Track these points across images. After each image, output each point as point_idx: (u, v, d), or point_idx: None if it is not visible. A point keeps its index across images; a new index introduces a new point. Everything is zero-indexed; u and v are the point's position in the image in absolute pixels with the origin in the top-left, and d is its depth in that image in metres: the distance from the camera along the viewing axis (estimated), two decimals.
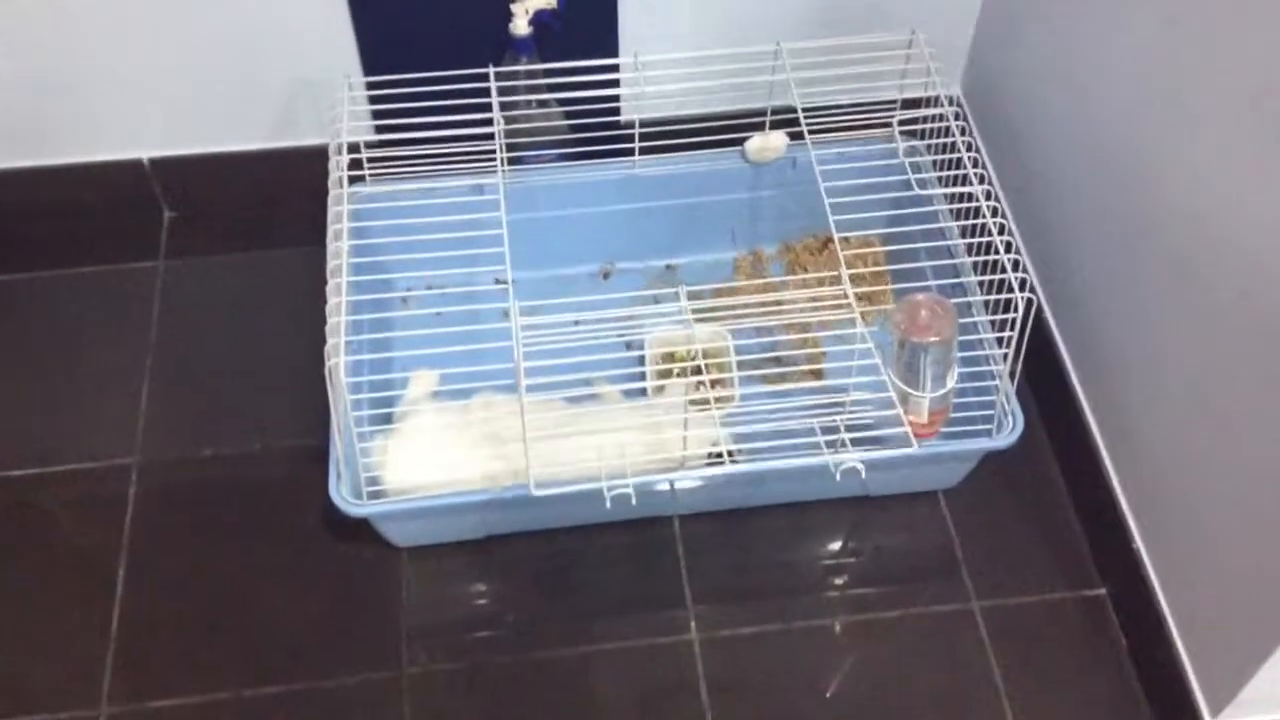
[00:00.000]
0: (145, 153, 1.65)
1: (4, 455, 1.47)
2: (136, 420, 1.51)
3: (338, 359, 1.14)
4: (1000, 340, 1.28)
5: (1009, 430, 1.30)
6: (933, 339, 1.14)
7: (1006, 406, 1.30)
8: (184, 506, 1.44)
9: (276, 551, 1.41)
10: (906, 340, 1.15)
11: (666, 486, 1.13)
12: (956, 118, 1.37)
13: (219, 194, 1.71)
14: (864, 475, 1.09)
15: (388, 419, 1.41)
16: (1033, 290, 1.19)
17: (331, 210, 1.31)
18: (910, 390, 1.17)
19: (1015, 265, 1.20)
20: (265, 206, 1.72)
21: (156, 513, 1.43)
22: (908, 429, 1.12)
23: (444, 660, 1.33)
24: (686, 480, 1.14)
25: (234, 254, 1.70)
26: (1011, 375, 1.27)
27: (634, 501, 1.06)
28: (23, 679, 1.31)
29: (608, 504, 1.06)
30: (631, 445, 1.31)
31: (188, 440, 1.50)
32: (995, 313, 1.26)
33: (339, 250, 1.23)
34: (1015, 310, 1.17)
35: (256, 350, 1.59)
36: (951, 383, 1.19)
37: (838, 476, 1.09)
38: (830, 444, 1.17)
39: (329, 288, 1.22)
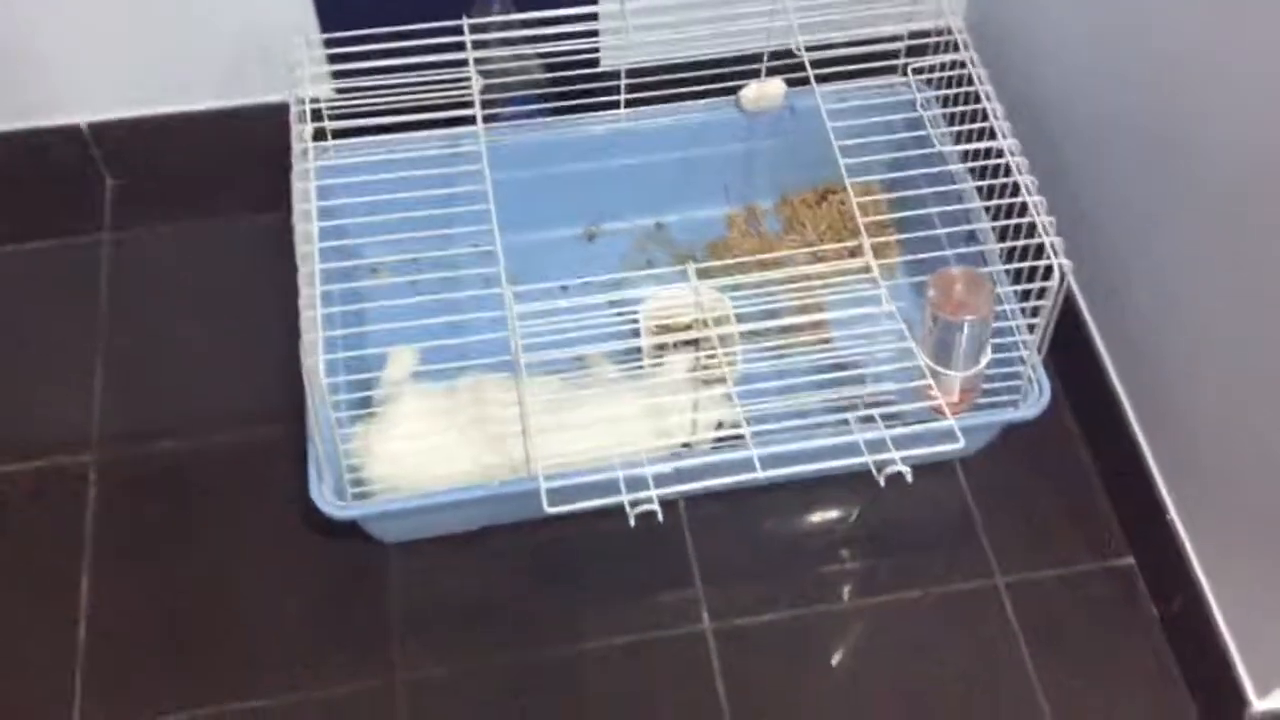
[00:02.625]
0: (83, 117, 1.51)
1: None
2: (91, 411, 1.40)
3: (315, 357, 1.04)
4: (1025, 306, 1.19)
5: (1035, 400, 1.22)
6: (968, 316, 1.05)
7: (1033, 375, 1.22)
8: (148, 505, 1.34)
9: (253, 551, 1.31)
10: (940, 316, 1.06)
11: (689, 486, 1.04)
12: (973, 63, 1.27)
13: (164, 159, 1.58)
14: (909, 478, 1.00)
15: (364, 402, 1.30)
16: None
17: (296, 185, 1.19)
18: (942, 369, 1.09)
19: (1050, 229, 1.11)
20: (215, 171, 1.58)
21: (119, 513, 1.33)
22: (946, 411, 1.03)
23: (440, 662, 1.24)
24: (707, 480, 1.05)
25: (184, 223, 1.57)
26: (1041, 342, 1.18)
27: (660, 519, 0.97)
28: None
29: (631, 522, 0.97)
30: (636, 429, 1.22)
31: (148, 431, 1.38)
32: (1021, 275, 1.17)
33: (309, 232, 1.12)
34: (1052, 278, 1.08)
35: (216, 328, 1.47)
36: (985, 360, 1.11)
37: (881, 481, 1.00)
38: (854, 424, 1.08)
39: (300, 276, 1.11)
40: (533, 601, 1.28)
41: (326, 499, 1.16)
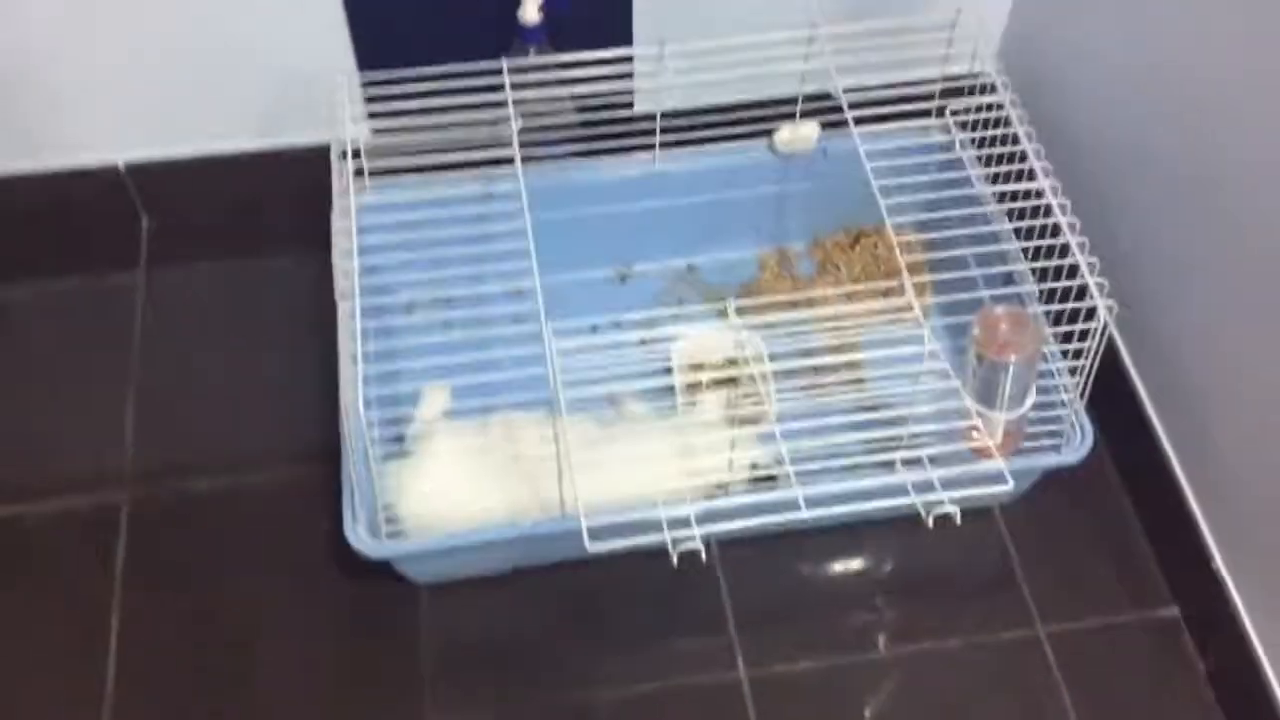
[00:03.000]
0: (121, 156, 1.52)
1: None
2: (124, 449, 1.39)
3: (355, 394, 1.03)
4: (1066, 350, 1.17)
5: (1078, 445, 1.20)
6: (1014, 356, 1.04)
7: (1076, 420, 1.20)
8: (180, 544, 1.33)
9: (284, 591, 1.30)
10: (985, 357, 1.05)
11: (731, 525, 1.02)
12: (1013, 104, 1.26)
13: (200, 200, 1.58)
14: (958, 520, 0.98)
15: (396, 438, 1.29)
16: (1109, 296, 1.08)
17: (337, 223, 1.19)
18: (986, 410, 1.07)
19: (1093, 269, 1.10)
20: (251, 212, 1.59)
21: (150, 551, 1.32)
22: (994, 452, 1.01)
23: (471, 706, 1.23)
24: (748, 519, 1.03)
25: (219, 263, 1.58)
26: (1083, 390, 1.16)
27: (703, 557, 0.95)
28: None
29: (674, 561, 0.95)
30: (670, 470, 1.20)
31: (180, 469, 1.38)
32: (1063, 317, 1.15)
33: (348, 269, 1.11)
34: (1095, 319, 1.07)
35: (249, 367, 1.47)
36: (1029, 402, 1.09)
37: (930, 522, 0.98)
38: (899, 466, 1.07)
39: (340, 312, 1.10)
40: (565, 646, 1.26)
41: (361, 538, 1.15)
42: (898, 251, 1.13)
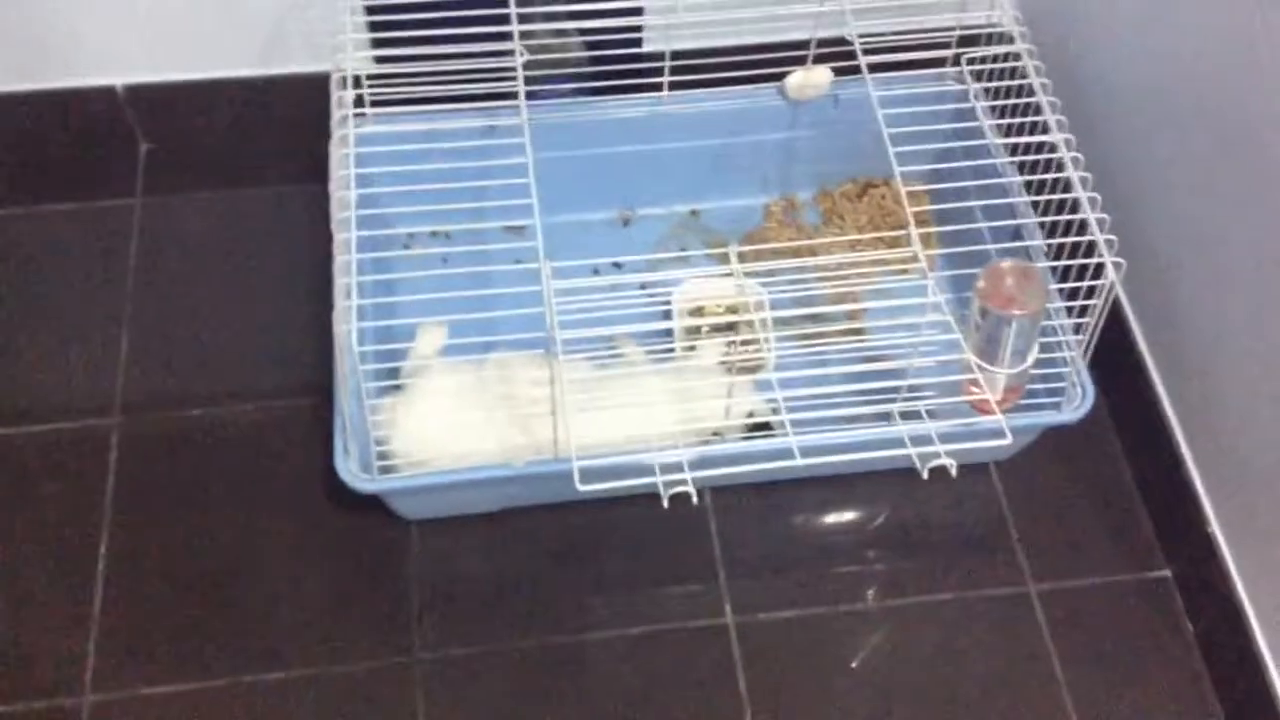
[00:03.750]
0: (118, 79, 1.50)
1: None
2: (116, 377, 1.38)
3: (349, 325, 1.02)
4: (1072, 307, 1.16)
5: (1078, 403, 1.19)
6: (1018, 311, 1.02)
7: (1078, 379, 1.18)
8: (171, 474, 1.32)
9: (274, 522, 1.29)
10: (989, 311, 1.03)
11: (722, 472, 1.02)
12: (1030, 55, 1.24)
13: (200, 125, 1.56)
14: (954, 471, 0.97)
15: (391, 373, 1.28)
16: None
17: (335, 153, 1.17)
18: (987, 365, 1.06)
19: (1102, 225, 1.08)
20: (251, 139, 1.57)
21: (141, 481, 1.31)
22: (994, 408, 1.00)
23: (458, 643, 1.22)
24: (741, 466, 1.02)
25: (217, 190, 1.56)
26: (1087, 347, 1.15)
27: (695, 500, 0.95)
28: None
29: (665, 503, 0.95)
30: (666, 415, 1.19)
31: (173, 399, 1.37)
32: (1070, 274, 1.14)
33: (346, 200, 1.10)
34: (1102, 276, 1.05)
35: (245, 298, 1.45)
36: (1032, 358, 1.08)
37: (924, 474, 0.97)
38: (896, 418, 1.06)
39: (336, 243, 1.09)
40: (554, 586, 1.26)
41: (352, 472, 1.14)
42: (905, 203, 1.11)
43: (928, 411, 1.13)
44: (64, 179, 1.53)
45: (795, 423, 1.06)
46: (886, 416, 1.15)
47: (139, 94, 1.52)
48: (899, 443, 0.99)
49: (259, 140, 1.56)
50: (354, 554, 1.27)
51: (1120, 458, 1.35)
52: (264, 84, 1.53)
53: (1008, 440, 0.99)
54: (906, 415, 1.15)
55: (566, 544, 1.28)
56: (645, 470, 0.99)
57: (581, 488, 0.96)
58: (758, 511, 1.30)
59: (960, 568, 1.28)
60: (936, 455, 0.96)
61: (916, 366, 1.09)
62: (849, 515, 1.31)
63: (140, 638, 1.21)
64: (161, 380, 1.38)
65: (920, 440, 0.99)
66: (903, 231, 1.46)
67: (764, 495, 1.31)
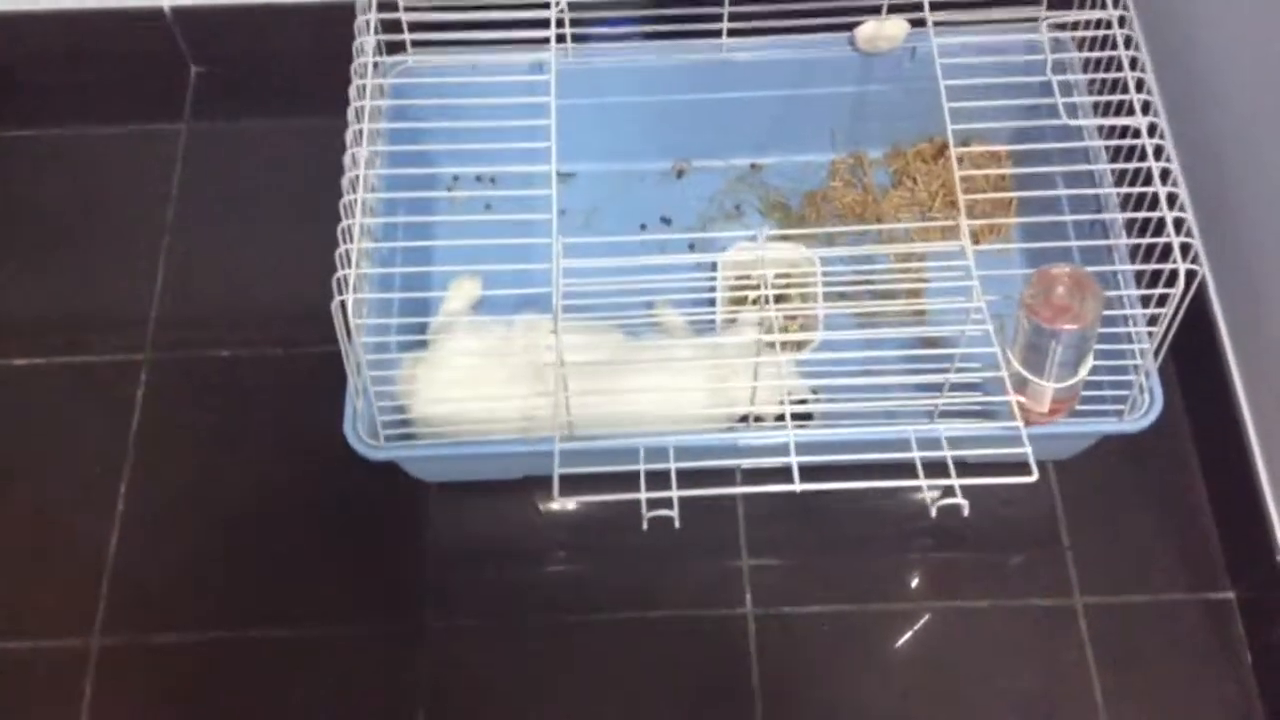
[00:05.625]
0: (167, 0, 1.45)
1: (3, 342, 1.34)
2: (149, 311, 1.36)
3: (347, 296, 0.97)
4: (1146, 302, 1.05)
5: (1143, 413, 1.09)
6: (1067, 326, 0.92)
7: (1145, 384, 1.08)
8: (195, 414, 1.30)
9: (293, 472, 1.27)
10: (1034, 322, 0.93)
11: (724, 491, 0.95)
12: (1122, 23, 1.11)
13: (253, 49, 1.51)
14: (965, 512, 0.89)
15: (420, 327, 1.24)
16: (1198, 259, 0.95)
17: (355, 104, 1.11)
18: (1031, 376, 0.96)
19: (1179, 226, 0.96)
20: (305, 67, 1.50)
21: (165, 421, 1.30)
22: (1041, 419, 0.91)
23: (469, 613, 1.19)
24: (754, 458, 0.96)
25: (268, 119, 1.51)
26: (1156, 353, 1.04)
27: (677, 525, 0.88)
28: (9, 600, 1.20)
29: (644, 525, 0.88)
30: (693, 396, 1.13)
31: (203, 338, 1.35)
32: (1146, 274, 1.03)
33: (357, 157, 1.04)
34: (1175, 284, 0.94)
35: (286, 236, 1.41)
36: (1084, 372, 0.98)
37: (933, 512, 0.89)
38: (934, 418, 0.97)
39: (342, 204, 1.03)
40: (570, 561, 1.21)
41: (360, 437, 1.10)
42: (957, 184, 1.01)
43: (973, 413, 1.04)
44: (112, 101, 1.51)
45: (828, 413, 0.99)
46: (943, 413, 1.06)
47: (188, 16, 1.47)
48: (904, 446, 0.90)
49: (313, 68, 1.50)
50: (371, 513, 1.24)
51: (1194, 470, 1.24)
52: (320, 9, 1.47)
53: (1032, 477, 0.89)
54: (949, 414, 1.06)
55: (586, 518, 1.23)
56: (630, 458, 0.92)
57: (559, 470, 0.89)
58: (788, 496, 1.23)
59: (1002, 571, 1.20)
60: (964, 459, 0.87)
61: (959, 364, 0.99)
62: (886, 508, 1.23)
63: (151, 584, 1.21)
64: (194, 317, 1.36)
65: (929, 444, 0.90)
66: (982, 196, 1.36)
67: (804, 476, 1.23)
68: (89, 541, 1.22)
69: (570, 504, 1.17)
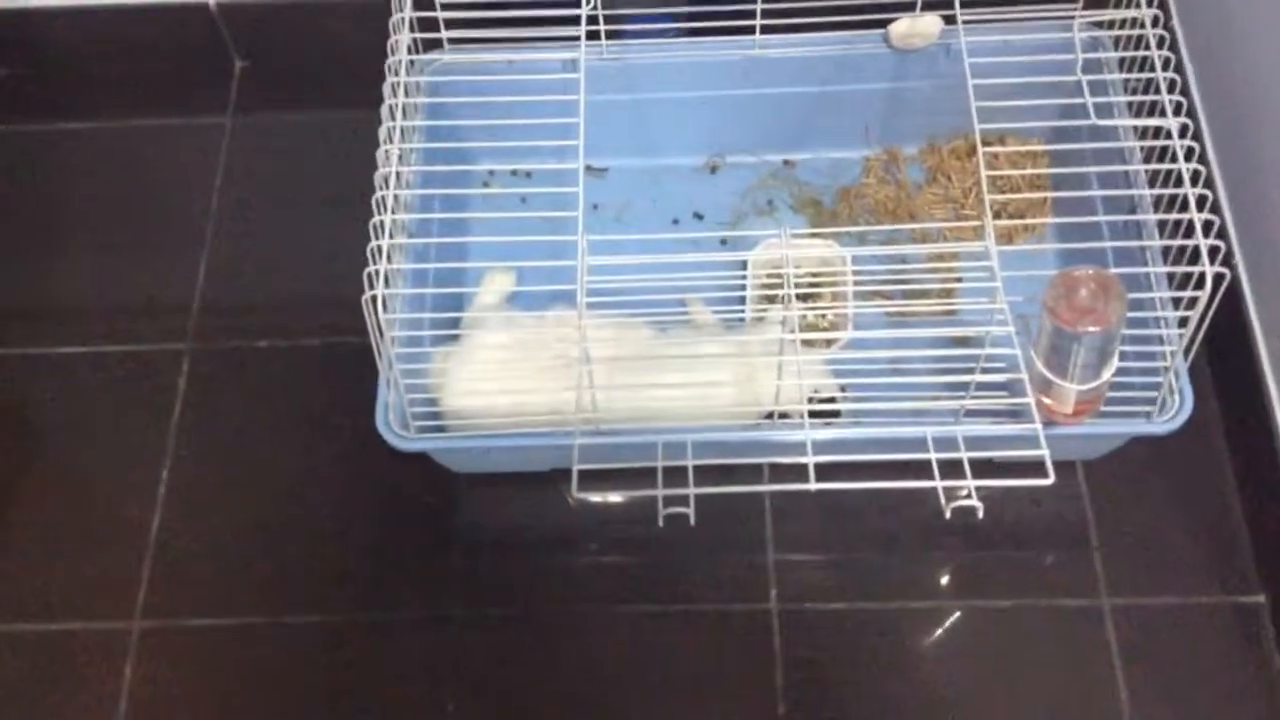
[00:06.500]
0: None
1: (48, 331, 1.37)
2: (191, 300, 1.39)
3: (377, 291, 0.98)
4: (1176, 303, 1.05)
5: (1172, 414, 1.08)
6: (1090, 328, 0.92)
7: (1174, 385, 1.07)
8: (235, 403, 1.33)
9: (328, 460, 1.29)
10: (1056, 324, 0.93)
11: (741, 489, 0.96)
12: (1156, 23, 1.10)
13: (297, 43, 1.54)
14: (980, 514, 0.89)
15: (453, 321, 1.25)
16: (1228, 261, 0.94)
17: (388, 101, 1.13)
18: (1054, 378, 0.96)
19: (1209, 229, 0.96)
20: (349, 61, 1.52)
21: (206, 409, 1.33)
22: (1037, 423, 0.91)
23: (496, 602, 1.21)
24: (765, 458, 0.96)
25: (311, 112, 1.54)
26: (1186, 353, 1.04)
27: (693, 523, 0.89)
28: (54, 583, 1.23)
29: (661, 522, 0.90)
30: (721, 392, 1.14)
31: (244, 327, 1.37)
32: (1177, 274, 1.02)
33: (390, 154, 1.05)
34: (1204, 286, 0.94)
35: (327, 228, 1.43)
36: (1108, 374, 0.97)
37: (947, 513, 0.90)
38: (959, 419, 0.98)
39: (374, 199, 1.05)
40: (597, 553, 1.23)
41: (391, 429, 1.12)
42: (984, 184, 1.00)
43: (999, 413, 1.04)
44: (158, 94, 1.54)
45: (855, 412, 0.99)
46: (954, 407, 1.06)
47: (232, 10, 1.50)
48: (923, 445, 0.91)
49: (357, 62, 1.53)
50: (403, 502, 1.26)
51: (1226, 471, 1.23)
52: (362, 3, 1.48)
53: (1049, 480, 0.89)
54: (975, 414, 1.06)
55: (613, 510, 1.24)
56: (651, 452, 0.93)
57: (578, 467, 0.91)
58: (816, 494, 1.23)
59: (1029, 571, 1.20)
60: (984, 456, 0.88)
61: (985, 364, 0.99)
62: (912, 505, 1.23)
63: (190, 569, 1.24)
64: (235, 307, 1.39)
65: (948, 443, 0.90)
66: (1012, 197, 1.36)
67: (824, 473, 1.23)
68: (131, 527, 1.25)
69: (598, 496, 1.18)
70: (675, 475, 0.94)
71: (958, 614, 1.18)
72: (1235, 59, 1.20)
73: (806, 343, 1.19)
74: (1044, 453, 0.90)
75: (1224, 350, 1.18)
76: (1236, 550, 1.19)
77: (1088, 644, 1.16)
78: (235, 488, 1.28)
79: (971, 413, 1.05)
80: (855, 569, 1.20)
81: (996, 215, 1.25)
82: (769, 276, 1.29)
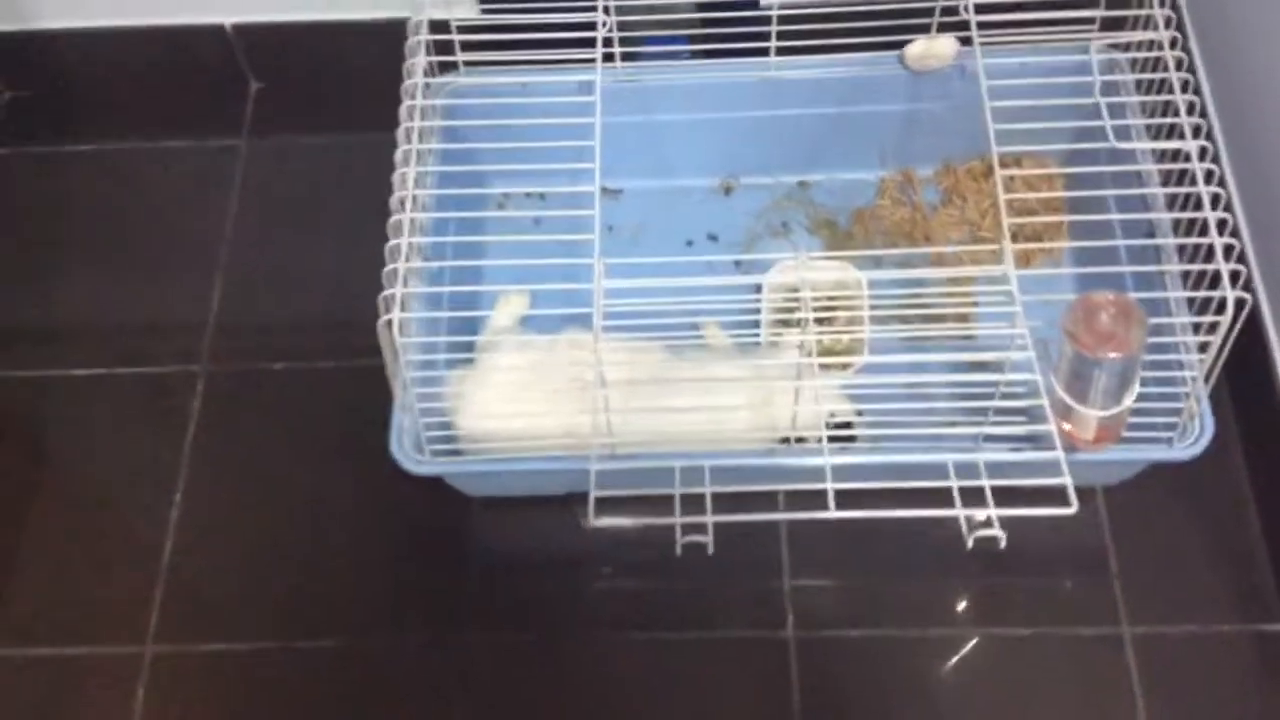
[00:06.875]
0: (227, 17, 1.48)
1: (61, 353, 1.37)
2: (206, 322, 1.39)
3: (392, 315, 0.98)
4: (1197, 328, 1.03)
5: (1193, 440, 1.07)
6: (1111, 354, 0.91)
7: (1195, 411, 1.06)
8: (248, 425, 1.33)
9: (342, 484, 1.29)
10: (1077, 349, 0.92)
11: (759, 517, 0.95)
12: (1173, 45, 1.09)
13: (313, 65, 1.54)
14: (1002, 544, 0.89)
15: (469, 345, 1.25)
16: (1249, 286, 0.94)
17: (404, 124, 1.13)
18: (1075, 404, 0.95)
19: (1229, 253, 0.95)
20: (363, 83, 1.52)
21: (220, 431, 1.32)
22: (1058, 449, 0.90)
23: (513, 627, 1.20)
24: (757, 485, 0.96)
25: (327, 134, 1.54)
26: (1207, 378, 1.03)
27: (711, 551, 0.89)
28: (66, 606, 1.23)
29: (678, 550, 0.89)
30: (737, 416, 1.13)
31: (259, 349, 1.37)
32: (1197, 298, 1.01)
33: (405, 177, 1.05)
34: (1224, 311, 0.93)
35: (342, 250, 1.43)
36: (1129, 400, 0.96)
37: (970, 543, 0.89)
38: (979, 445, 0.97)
39: (390, 224, 1.05)
40: (613, 580, 1.22)
41: (405, 452, 1.12)
42: (1002, 207, 1.00)
43: (1020, 438, 1.03)
44: (174, 116, 1.54)
45: (871, 426, 0.98)
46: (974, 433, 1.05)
47: (248, 32, 1.50)
48: (942, 472, 0.90)
49: (372, 84, 1.53)
50: (417, 527, 1.26)
51: (1248, 498, 1.21)
52: (379, 26, 1.49)
53: (1072, 509, 0.88)
54: (994, 439, 1.05)
55: (628, 535, 1.23)
56: (668, 478, 0.93)
57: (595, 494, 0.90)
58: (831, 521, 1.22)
59: (1048, 598, 1.18)
60: (985, 513, 0.87)
61: (1004, 390, 0.98)
62: (932, 528, 1.22)
63: (203, 592, 1.23)
64: (250, 329, 1.39)
65: (968, 470, 0.89)
66: (1028, 220, 1.35)
67: (841, 499, 1.22)
68: (144, 550, 1.25)
69: (613, 521, 1.17)
70: (692, 502, 0.93)
71: (976, 641, 1.17)
72: (1253, 81, 1.20)
73: (822, 366, 1.19)
74: (1066, 480, 0.89)
75: (1244, 376, 1.16)
76: (1258, 578, 1.18)
77: (1108, 672, 1.14)
78: (248, 511, 1.28)
79: (990, 438, 1.04)
80: (872, 595, 1.19)
81: (1013, 238, 1.25)
82: (784, 299, 1.29)
